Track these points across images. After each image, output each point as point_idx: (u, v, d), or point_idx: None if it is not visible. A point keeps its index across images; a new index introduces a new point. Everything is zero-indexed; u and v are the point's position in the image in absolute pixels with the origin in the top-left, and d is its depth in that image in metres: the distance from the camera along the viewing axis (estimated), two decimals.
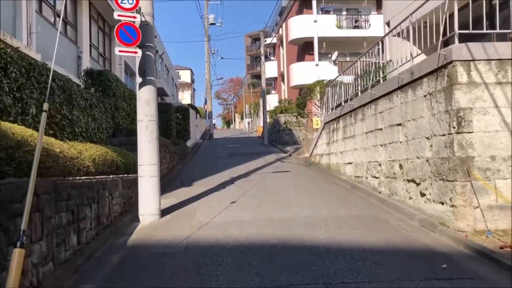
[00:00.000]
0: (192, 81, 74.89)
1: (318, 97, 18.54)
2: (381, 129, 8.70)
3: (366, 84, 10.20)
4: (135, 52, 7.30)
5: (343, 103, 11.85)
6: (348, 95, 11.45)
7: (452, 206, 5.95)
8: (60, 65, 12.30)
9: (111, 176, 7.37)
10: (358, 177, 10.13)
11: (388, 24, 15.73)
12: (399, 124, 7.81)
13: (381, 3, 28.71)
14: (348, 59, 27.97)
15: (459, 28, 6.30)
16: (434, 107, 6.50)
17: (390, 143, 8.25)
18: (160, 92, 31.20)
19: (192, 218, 7.45)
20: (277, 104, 35.74)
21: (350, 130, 10.79)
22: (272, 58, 40.81)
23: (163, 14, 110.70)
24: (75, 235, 5.31)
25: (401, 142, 7.75)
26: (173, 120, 21.23)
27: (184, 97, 63.75)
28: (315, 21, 26.98)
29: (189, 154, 20.70)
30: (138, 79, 7.70)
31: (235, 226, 6.67)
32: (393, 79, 8.09)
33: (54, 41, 12.39)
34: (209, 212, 7.86)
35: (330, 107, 13.40)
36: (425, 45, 7.50)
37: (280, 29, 35.79)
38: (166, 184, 11.67)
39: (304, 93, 19.19)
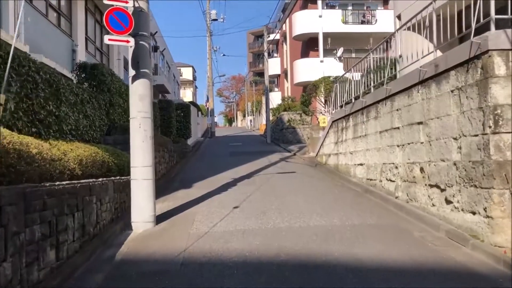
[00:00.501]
0: (194, 78, 74.12)
1: (324, 94, 17.76)
2: (398, 128, 7.94)
3: (380, 79, 9.43)
4: (127, 41, 6.55)
5: (353, 100, 11.08)
6: (359, 91, 10.68)
7: (487, 217, 5.18)
8: (52, 58, 11.56)
9: (101, 179, 6.62)
10: (371, 179, 9.36)
11: (399, 17, 14.94)
12: (420, 123, 7.04)
13: None
14: (353, 55, 27.20)
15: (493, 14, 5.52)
16: (464, 103, 5.73)
17: (408, 144, 7.48)
18: (161, 89, 30.47)
19: (190, 226, 6.71)
20: (280, 101, 34.98)
21: (362, 129, 10.03)
22: (275, 55, 40.01)
23: (164, 10, 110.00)
24: (52, 250, 4.57)
25: (422, 142, 6.98)
26: (173, 118, 20.49)
27: (186, 95, 63.03)
28: (320, 16, 26.17)
29: (189, 153, 19.97)
30: (131, 72, 6.95)
31: (238, 237, 5.92)
32: (412, 73, 7.32)
33: (46, 33, 11.63)
34: (209, 219, 7.11)
35: (338, 104, 12.63)
36: (445, 39, 6.76)
37: (284, 26, 34.98)
38: (164, 185, 10.94)
39: (310, 90, 18.42)
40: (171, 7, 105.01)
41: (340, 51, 25.80)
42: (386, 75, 8.91)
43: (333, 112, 12.99)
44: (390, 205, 7.80)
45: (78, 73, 10.62)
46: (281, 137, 25.79)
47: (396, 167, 7.99)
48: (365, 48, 27.25)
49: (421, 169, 6.99)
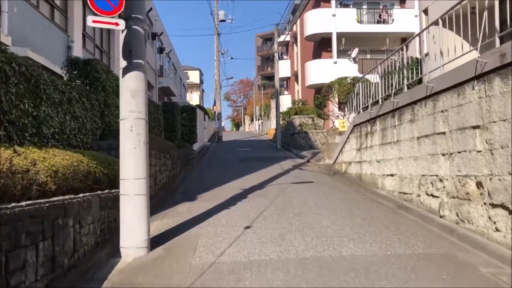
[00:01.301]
0: (201, 81, 73.12)
1: (341, 96, 16.43)
2: (443, 133, 6.59)
3: (415, 77, 8.11)
4: (116, 24, 5.28)
5: (380, 101, 9.74)
6: (388, 91, 9.35)
7: None
8: (42, 53, 10.38)
9: (82, 194, 5.35)
10: (405, 193, 8.00)
11: (425, 12, 13.59)
12: (476, 127, 5.70)
13: None
14: (368, 56, 25.91)
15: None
16: None
17: (459, 152, 6.13)
18: (167, 92, 29.29)
19: (192, 253, 5.40)
20: (290, 105, 33.69)
21: (392, 134, 8.68)
22: (285, 57, 38.75)
23: (171, 11, 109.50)
24: None
25: (479, 151, 5.63)
26: (178, 121, 19.25)
27: (193, 98, 61.98)
28: (334, 15, 24.89)
29: (195, 159, 18.71)
30: (122, 63, 5.69)
31: (252, 273, 4.61)
32: (465, 66, 5.98)
33: (36, 26, 10.40)
34: (216, 243, 5.81)
35: (361, 106, 11.30)
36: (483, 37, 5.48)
37: (294, 27, 33.75)
38: (165, 197, 9.66)
39: (325, 92, 17.09)
40: (178, 8, 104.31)
41: (355, 52, 24.48)
42: (427, 70, 7.56)
43: (355, 115, 11.66)
44: (434, 226, 6.44)
45: (69, 69, 9.39)
46: (292, 142, 24.45)
47: (441, 180, 6.63)
48: (381, 49, 25.95)
49: (478, 184, 5.63)
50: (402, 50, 9.01)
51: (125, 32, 5.60)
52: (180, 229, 6.73)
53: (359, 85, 11.50)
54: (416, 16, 25.17)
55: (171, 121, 18.44)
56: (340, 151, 12.87)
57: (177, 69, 38.90)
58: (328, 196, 9.12)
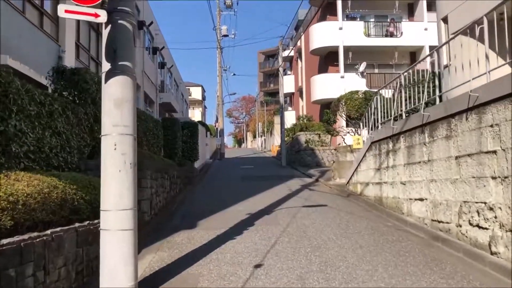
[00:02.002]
0: (203, 98, 72.38)
1: (351, 111, 15.36)
2: (493, 152, 5.47)
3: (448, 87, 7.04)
4: (95, 15, 4.20)
5: (404, 115, 8.65)
6: (414, 103, 8.28)
7: None
8: (26, 62, 9.38)
9: (49, 231, 4.23)
10: (440, 222, 6.85)
11: (445, 20, 12.60)
12: None
13: (413, 10, 25.81)
14: (376, 71, 24.99)
15: None
16: None
17: None
18: (168, 108, 28.30)
19: None
20: (294, 121, 32.71)
21: (421, 153, 7.56)
22: (289, 72, 37.90)
23: (173, 26, 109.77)
24: None
25: None
26: (179, 138, 18.19)
27: (195, 115, 61.12)
28: (341, 29, 24.03)
29: (196, 178, 17.57)
30: (104, 66, 4.62)
31: None
32: None
33: (21, 33, 9.39)
34: None
35: (379, 121, 10.20)
36: None
37: (299, 42, 32.97)
38: (161, 224, 8.51)
39: (334, 106, 16.03)
40: (180, 23, 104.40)
41: (362, 66, 23.52)
42: (451, 84, 6.49)
43: (371, 131, 10.55)
44: (486, 266, 5.27)
45: (55, 79, 8.36)
46: (297, 159, 23.32)
47: (491, 209, 5.49)
48: (389, 63, 25.04)
49: None
50: (432, 57, 7.93)
51: (108, 28, 4.54)
52: (177, 267, 5.57)
53: (376, 98, 10.43)
54: (425, 29, 24.37)
55: (171, 138, 17.39)
56: (354, 171, 11.73)
57: (179, 85, 38.08)
58: (347, 224, 7.95)
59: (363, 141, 11.57)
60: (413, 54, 25.45)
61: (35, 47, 10.28)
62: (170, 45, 64.70)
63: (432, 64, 11.68)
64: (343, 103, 15.91)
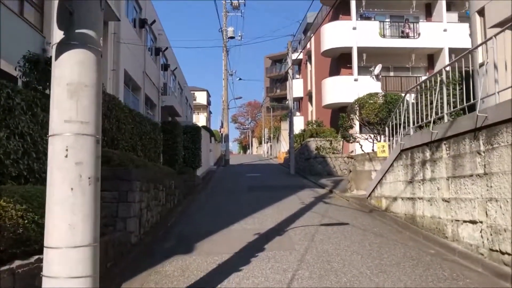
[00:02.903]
0: (209, 103, 71.13)
1: (370, 116, 13.86)
2: None
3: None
4: None
5: (446, 118, 7.17)
6: (460, 102, 6.79)
7: None
8: (4, 56, 8.04)
9: None
10: (505, 253, 5.33)
11: (480, 13, 11.13)
12: None
13: (431, 10, 24.33)
14: (391, 74, 23.51)
15: None
16: None
17: None
18: (171, 111, 26.83)
19: None
20: (302, 127, 31.25)
21: (474, 163, 6.06)
22: (297, 76, 36.46)
23: (178, 27, 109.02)
24: None
25: None
26: (179, 143, 16.79)
27: (199, 120, 59.76)
28: (354, 28, 22.59)
29: (198, 187, 16.10)
30: (56, 34, 3.18)
31: None
32: None
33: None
34: None
35: (411, 125, 8.69)
36: None
37: (308, 44, 31.58)
38: (151, 246, 7.06)
39: (351, 110, 14.53)
40: (184, 25, 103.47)
41: (378, 68, 22.05)
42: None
43: (402, 136, 9.03)
44: None
45: (27, 70, 6.98)
46: (307, 167, 21.82)
47: None
48: (406, 66, 23.56)
49: None
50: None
51: None
52: None
53: (407, 99, 8.92)
54: (445, 30, 22.89)
55: (171, 143, 16.00)
56: (378, 183, 10.22)
57: (183, 88, 36.75)
58: (379, 251, 6.44)
59: (390, 149, 10.07)
60: (431, 57, 23.95)
61: (12, 36, 8.91)
62: (173, 44, 63.52)
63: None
64: (357, 107, 14.39)
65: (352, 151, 21.54)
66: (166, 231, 8.31)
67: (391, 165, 9.35)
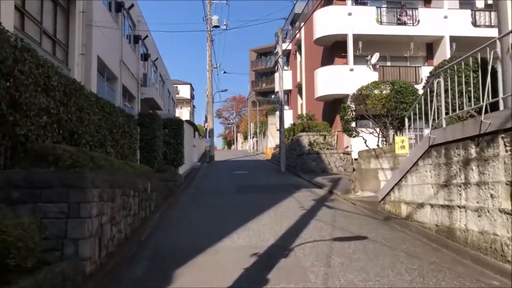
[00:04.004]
0: (192, 97, 68.90)
1: (375, 106, 12.21)
2: None
3: None
4: None
5: (502, 104, 5.52)
6: None
7: None
8: None
9: None
10: None
11: None
12: None
13: None
14: (389, 63, 21.94)
15: None
16: None
17: None
18: (151, 104, 24.76)
19: None
20: (292, 121, 29.56)
21: None
22: (286, 68, 34.70)
23: (159, 15, 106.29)
24: None
25: None
26: (159, 138, 14.85)
27: (183, 114, 57.64)
28: (350, 14, 20.92)
29: (180, 187, 14.27)
30: None
31: None
32: None
33: None
34: None
35: (443, 115, 7.02)
36: None
37: (298, 34, 29.82)
38: (113, 278, 5.23)
39: (358, 100, 12.81)
40: (167, 14, 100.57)
41: (375, 57, 20.44)
42: None
43: (431, 130, 7.34)
44: None
45: None
46: (299, 164, 20.16)
47: None
48: (404, 55, 22.01)
49: None
50: None
51: None
52: None
53: (439, 81, 7.22)
54: (445, 17, 21.40)
55: (149, 138, 14.09)
56: (396, 184, 8.55)
57: (165, 81, 34.63)
58: (426, 284, 4.74)
59: (418, 144, 8.39)
60: (430, 46, 22.45)
61: None
62: (154, 28, 60.99)
63: None
64: (367, 96, 12.70)
65: (347, 147, 19.96)
66: (138, 249, 6.48)
67: (415, 164, 7.69)
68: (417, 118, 8.29)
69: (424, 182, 7.38)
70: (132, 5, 21.24)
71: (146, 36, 24.66)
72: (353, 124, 13.05)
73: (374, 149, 11.79)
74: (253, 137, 54.53)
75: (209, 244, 6.54)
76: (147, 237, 7.28)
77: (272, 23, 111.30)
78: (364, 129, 13.18)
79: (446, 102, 7.14)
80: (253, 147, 52.50)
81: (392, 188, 8.74)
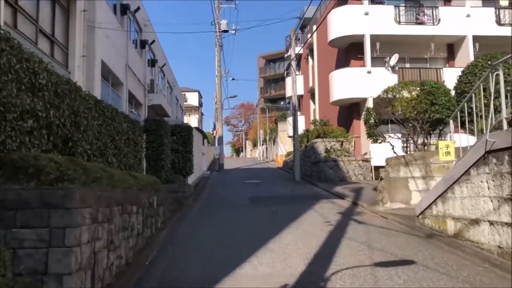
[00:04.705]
0: (200, 104, 68.07)
1: (404, 109, 11.07)
2: None
3: None
4: None
5: None
6: None
7: None
8: None
9: None
10: None
11: None
12: None
13: None
14: (408, 65, 20.77)
15: None
16: None
17: None
18: (158, 111, 23.81)
19: None
20: (303, 127, 28.43)
21: None
22: (297, 72, 33.64)
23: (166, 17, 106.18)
24: None
25: None
26: (166, 146, 13.81)
27: (191, 122, 56.74)
28: (366, 14, 19.85)
29: (189, 199, 13.20)
30: None
31: None
32: None
33: None
34: None
35: (503, 114, 5.89)
36: None
37: (309, 37, 28.79)
38: None
39: (382, 103, 11.65)
40: (172, 17, 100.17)
41: (394, 59, 19.30)
42: None
43: (487, 132, 6.20)
44: None
45: None
46: (315, 173, 19.01)
47: None
48: (424, 57, 20.84)
49: None
50: None
51: None
52: None
53: (497, 74, 6.08)
54: (468, 16, 20.23)
55: (156, 145, 13.05)
56: (439, 196, 7.39)
57: (173, 87, 33.76)
58: None
59: (468, 150, 7.22)
60: (451, 47, 21.27)
61: None
62: (160, 33, 60.50)
63: None
64: (387, 99, 11.57)
65: (365, 153, 18.79)
66: (140, 279, 5.39)
67: (467, 172, 6.54)
68: (466, 120, 7.12)
69: (479, 195, 6.22)
70: (138, 8, 20.34)
71: (153, 41, 23.81)
72: (382, 128, 11.88)
73: (403, 156, 10.65)
74: (262, 144, 53.45)
75: (225, 271, 5.44)
76: (152, 262, 6.18)
77: (280, 29, 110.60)
78: (391, 134, 12.04)
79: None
80: (262, 155, 51.40)
81: (435, 201, 7.58)
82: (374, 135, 11.62)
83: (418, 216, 8.25)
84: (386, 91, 11.50)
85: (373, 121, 11.68)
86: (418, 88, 11.08)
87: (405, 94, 11.04)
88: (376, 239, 7.18)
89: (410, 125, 11.21)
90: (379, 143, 11.79)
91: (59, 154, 6.17)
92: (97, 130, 7.96)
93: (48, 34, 10.37)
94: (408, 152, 11.26)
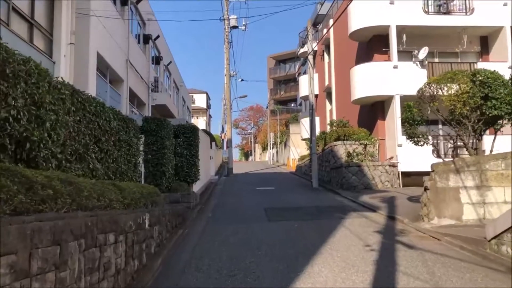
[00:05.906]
0: (208, 106, 66.40)
1: (454, 105, 9.11)
2: None
3: None
4: None
5: None
6: None
7: None
8: None
9: None
10: None
11: None
12: None
13: None
14: (436, 60, 18.76)
15: None
16: None
17: None
18: (163, 111, 21.99)
19: None
20: (319, 129, 26.48)
21: None
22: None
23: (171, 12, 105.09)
24: None
25: None
26: (169, 148, 11.98)
27: (199, 124, 55.05)
28: (392, 3, 17.91)
29: (193, 211, 11.33)
30: None
31: None
32: None
33: None
34: None
35: None
36: None
37: (326, 33, 26.90)
38: None
39: (424, 98, 9.66)
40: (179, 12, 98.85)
41: (423, 52, 17.33)
42: None
43: None
44: None
45: None
46: (335, 179, 17.07)
47: None
48: (455, 51, 18.82)
49: None
50: None
51: None
52: None
53: None
54: (505, 4, 18.17)
55: (156, 148, 11.24)
56: None
57: (180, 88, 32.05)
58: None
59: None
60: (485, 39, 19.24)
61: None
62: (164, 24, 58.91)
63: None
64: (430, 91, 9.62)
65: (392, 157, 16.82)
66: None
67: None
68: None
69: None
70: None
71: (158, 37, 22.09)
72: (421, 129, 9.88)
73: (453, 161, 8.71)
74: (272, 148, 51.53)
75: None
76: None
77: (290, 29, 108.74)
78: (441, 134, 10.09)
79: None
80: (272, 158, 49.46)
81: None
82: (416, 136, 9.66)
83: (489, 241, 6.30)
84: (429, 83, 9.55)
85: (415, 120, 9.69)
86: (468, 80, 9.12)
87: (455, 86, 9.09)
88: (444, 275, 5.26)
89: (461, 124, 9.24)
90: (421, 145, 9.83)
91: (9, 159, 4.39)
92: (74, 128, 6.15)
93: (25, 14, 8.61)
94: (456, 156, 9.29)
